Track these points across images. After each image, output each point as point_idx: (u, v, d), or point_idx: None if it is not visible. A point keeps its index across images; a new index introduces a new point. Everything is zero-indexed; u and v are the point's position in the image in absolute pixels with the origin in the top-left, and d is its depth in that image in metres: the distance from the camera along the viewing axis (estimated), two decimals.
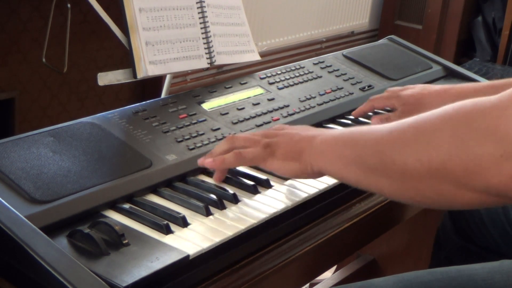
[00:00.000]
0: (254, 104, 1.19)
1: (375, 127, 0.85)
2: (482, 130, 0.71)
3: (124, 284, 0.71)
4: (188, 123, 1.07)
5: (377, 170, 0.82)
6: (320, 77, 1.37)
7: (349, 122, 1.25)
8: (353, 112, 1.28)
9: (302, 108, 1.22)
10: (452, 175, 0.74)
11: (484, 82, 1.24)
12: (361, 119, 1.26)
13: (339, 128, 1.21)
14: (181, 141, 1.02)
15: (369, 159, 0.83)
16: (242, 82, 1.25)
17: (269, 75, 1.31)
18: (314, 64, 1.42)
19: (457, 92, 1.21)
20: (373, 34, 3.58)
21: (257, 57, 1.32)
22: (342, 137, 0.88)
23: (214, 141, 1.04)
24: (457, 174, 0.73)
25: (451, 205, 0.82)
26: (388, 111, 1.28)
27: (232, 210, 0.90)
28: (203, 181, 0.97)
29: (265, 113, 1.17)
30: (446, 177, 0.75)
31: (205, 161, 0.93)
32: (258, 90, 1.24)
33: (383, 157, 0.81)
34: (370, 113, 1.27)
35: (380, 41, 1.67)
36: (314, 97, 1.28)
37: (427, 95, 1.22)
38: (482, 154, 0.71)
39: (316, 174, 0.91)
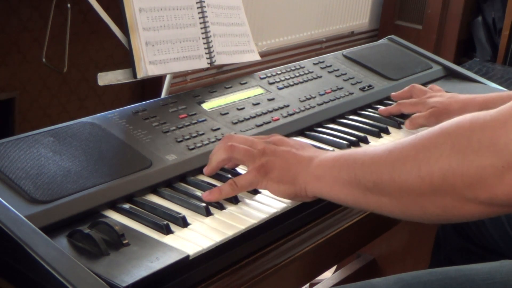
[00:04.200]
0: (254, 104, 1.19)
1: (372, 148, 0.86)
2: (482, 142, 0.72)
3: (124, 284, 0.71)
4: (188, 123, 1.07)
5: (376, 190, 0.82)
6: (320, 77, 1.37)
7: (350, 122, 1.25)
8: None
9: (302, 108, 1.22)
10: (454, 189, 0.74)
11: (509, 91, 1.25)
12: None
13: (338, 128, 1.22)
14: (181, 141, 1.02)
15: (367, 180, 0.83)
16: (242, 82, 1.25)
17: (269, 75, 1.31)
18: (314, 64, 1.42)
19: (482, 101, 1.21)
20: (373, 34, 3.58)
21: (257, 57, 1.32)
22: (338, 160, 0.88)
23: (214, 141, 1.04)
24: (459, 187, 0.74)
25: (455, 219, 0.81)
26: None
27: (232, 210, 0.90)
28: (203, 181, 0.96)
29: (265, 113, 1.17)
30: (449, 191, 0.75)
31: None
32: (258, 90, 1.24)
33: (382, 176, 0.81)
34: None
35: (380, 41, 1.67)
36: (314, 97, 1.28)
37: (454, 103, 1.23)
38: (484, 166, 0.71)
39: (311, 197, 0.91)
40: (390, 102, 1.38)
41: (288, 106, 1.22)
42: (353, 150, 0.90)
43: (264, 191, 0.95)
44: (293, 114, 1.20)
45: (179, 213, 0.86)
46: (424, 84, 1.51)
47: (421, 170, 0.77)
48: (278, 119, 1.17)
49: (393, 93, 1.34)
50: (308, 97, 1.27)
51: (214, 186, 0.95)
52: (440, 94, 1.28)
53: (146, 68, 1.12)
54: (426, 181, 0.76)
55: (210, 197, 0.91)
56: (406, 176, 0.78)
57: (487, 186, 0.72)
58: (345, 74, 1.41)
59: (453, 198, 0.75)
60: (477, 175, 0.72)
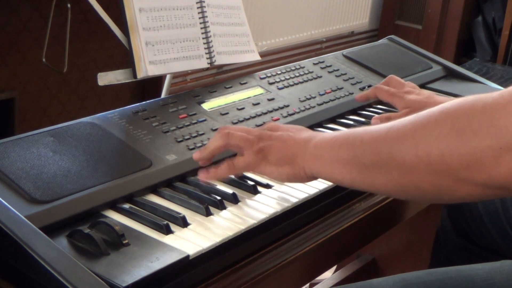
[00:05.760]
0: (254, 104, 1.19)
1: (372, 127, 0.85)
2: (482, 123, 0.72)
3: (124, 284, 0.71)
4: (188, 123, 1.07)
5: (374, 167, 0.82)
6: (320, 77, 1.37)
7: (350, 122, 1.25)
8: (357, 96, 1.28)
9: (302, 108, 1.22)
10: (452, 169, 0.74)
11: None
12: (359, 115, 1.27)
13: (338, 128, 1.22)
14: (181, 141, 1.02)
15: (366, 157, 0.83)
16: (242, 82, 1.25)
17: (269, 75, 1.31)
18: (314, 64, 1.42)
19: None
20: (373, 34, 3.58)
21: (257, 57, 1.32)
22: (337, 139, 0.88)
23: None
24: (457, 167, 0.74)
25: (450, 199, 0.82)
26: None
27: (232, 210, 0.90)
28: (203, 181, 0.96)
29: (265, 113, 1.17)
30: (446, 171, 0.75)
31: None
32: (258, 90, 1.24)
33: (381, 154, 0.81)
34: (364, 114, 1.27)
35: (380, 41, 1.67)
36: (314, 97, 1.28)
37: (431, 104, 1.20)
38: (482, 147, 0.71)
39: (310, 178, 0.91)
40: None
41: (288, 106, 1.22)
42: (352, 129, 0.88)
43: (264, 191, 0.95)
44: (293, 114, 1.20)
45: (179, 213, 0.86)
46: (424, 84, 1.51)
47: (419, 148, 0.76)
48: (278, 119, 1.17)
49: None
50: (308, 97, 1.27)
51: (214, 185, 0.95)
52: (418, 92, 1.24)
53: (146, 68, 1.12)
54: (423, 159, 0.76)
55: (207, 175, 0.91)
56: (403, 153, 0.78)
57: (484, 168, 0.71)
58: (345, 74, 1.41)
59: (450, 178, 0.75)
60: (475, 155, 0.72)
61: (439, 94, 1.45)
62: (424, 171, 0.76)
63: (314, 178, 0.91)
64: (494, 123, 0.71)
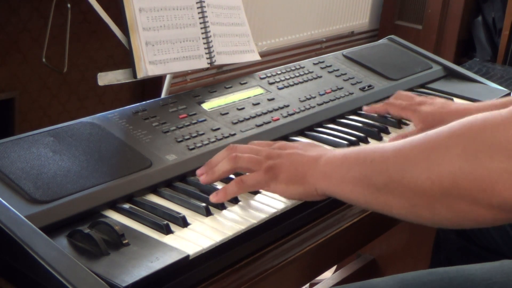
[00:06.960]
0: (254, 104, 1.19)
1: (381, 146, 0.84)
2: (494, 144, 0.71)
3: (124, 284, 0.71)
4: (188, 123, 1.07)
5: (387, 190, 0.81)
6: (320, 77, 1.37)
7: (350, 122, 1.25)
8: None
9: (302, 108, 1.22)
10: (466, 192, 0.73)
11: (505, 99, 1.22)
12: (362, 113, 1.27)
13: (338, 128, 1.22)
14: (181, 141, 1.02)
15: (377, 178, 0.81)
16: (242, 82, 1.25)
17: (269, 75, 1.31)
18: (314, 64, 1.42)
19: (478, 110, 1.18)
20: (373, 34, 3.58)
21: (257, 57, 1.32)
22: (347, 157, 0.86)
23: (214, 141, 1.04)
24: (471, 190, 0.72)
25: (467, 224, 0.80)
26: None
27: (232, 210, 0.90)
28: None
29: (265, 113, 1.17)
30: (459, 194, 0.73)
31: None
32: (258, 90, 1.24)
33: (392, 176, 0.80)
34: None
35: (380, 41, 1.67)
36: (314, 97, 1.28)
37: (447, 114, 1.18)
38: (495, 169, 0.70)
39: (321, 196, 0.90)
40: None
41: (288, 106, 1.22)
42: (361, 147, 0.87)
43: (264, 192, 0.95)
44: (293, 114, 1.20)
45: (179, 213, 0.86)
46: (424, 84, 1.51)
47: (432, 172, 0.75)
48: (278, 119, 1.17)
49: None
50: (308, 97, 1.27)
51: (215, 186, 0.95)
52: (431, 102, 1.21)
53: (146, 68, 1.12)
54: (436, 183, 0.75)
55: (217, 198, 0.90)
56: (416, 177, 0.77)
57: (498, 189, 0.70)
58: (345, 74, 1.41)
59: (465, 202, 0.74)
60: (489, 178, 0.71)
61: (439, 94, 1.45)
62: (438, 195, 0.75)
63: (325, 196, 0.90)
64: (505, 143, 0.70)
